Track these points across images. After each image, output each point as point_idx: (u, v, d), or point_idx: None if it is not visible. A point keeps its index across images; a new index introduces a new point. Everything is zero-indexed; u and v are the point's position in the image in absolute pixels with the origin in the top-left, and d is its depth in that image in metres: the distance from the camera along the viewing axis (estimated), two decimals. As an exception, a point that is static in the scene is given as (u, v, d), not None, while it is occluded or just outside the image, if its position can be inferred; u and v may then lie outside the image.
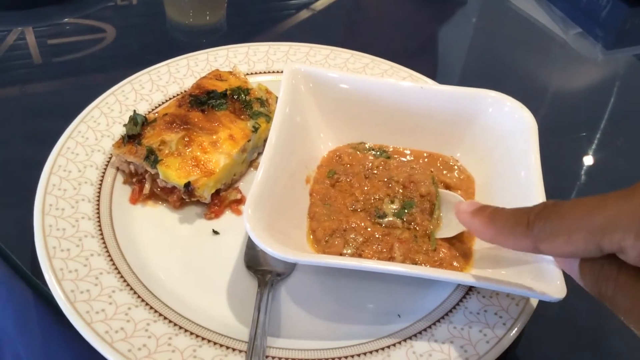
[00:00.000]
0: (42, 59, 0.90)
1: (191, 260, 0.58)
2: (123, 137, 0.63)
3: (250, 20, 1.07)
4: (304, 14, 1.09)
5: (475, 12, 1.21)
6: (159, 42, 0.98)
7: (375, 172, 0.64)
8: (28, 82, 0.87)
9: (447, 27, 1.16)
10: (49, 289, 0.54)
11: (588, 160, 0.80)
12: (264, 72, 0.78)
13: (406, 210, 0.59)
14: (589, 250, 0.36)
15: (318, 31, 1.04)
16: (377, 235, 0.58)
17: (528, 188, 0.57)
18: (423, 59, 1.02)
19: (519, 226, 0.40)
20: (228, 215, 0.63)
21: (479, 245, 0.58)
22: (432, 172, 0.64)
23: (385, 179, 0.63)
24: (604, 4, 1.16)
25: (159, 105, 0.71)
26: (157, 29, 1.02)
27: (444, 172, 0.65)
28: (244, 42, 0.83)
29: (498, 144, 0.63)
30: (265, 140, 0.69)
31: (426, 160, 0.66)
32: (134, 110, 0.65)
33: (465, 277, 0.50)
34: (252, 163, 0.68)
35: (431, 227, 0.59)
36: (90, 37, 0.95)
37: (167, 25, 1.02)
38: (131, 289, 0.52)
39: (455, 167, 0.66)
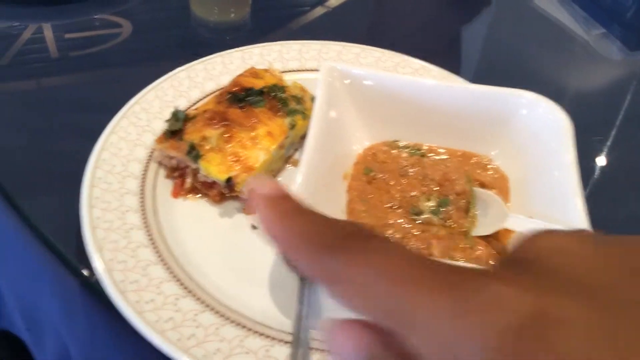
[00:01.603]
0: (59, 53, 0.91)
1: (231, 253, 0.59)
2: (165, 133, 0.64)
3: (275, 18, 1.08)
4: (327, 12, 1.10)
5: (498, 12, 1.22)
6: (184, 38, 1.00)
7: (411, 170, 0.65)
8: (49, 75, 0.88)
9: (471, 26, 1.16)
10: (95, 279, 0.56)
11: (609, 160, 0.81)
12: (297, 70, 0.79)
13: (442, 208, 0.61)
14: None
15: (343, 29, 1.05)
16: (414, 232, 0.59)
17: (564, 190, 0.59)
18: (448, 58, 1.02)
19: (323, 238, 0.24)
20: (266, 211, 0.64)
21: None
22: (466, 170, 0.65)
23: (421, 177, 0.64)
24: (629, 4, 1.16)
25: (197, 101, 0.72)
26: (182, 25, 1.03)
27: (478, 170, 0.66)
28: (268, 40, 0.84)
29: (533, 144, 0.64)
30: (301, 137, 0.71)
31: (460, 158, 0.68)
32: (176, 107, 0.66)
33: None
34: (288, 159, 0.69)
35: (467, 225, 0.60)
36: (111, 32, 0.96)
37: (191, 22, 1.03)
38: (178, 279, 0.54)
39: (490, 166, 0.67)
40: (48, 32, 0.94)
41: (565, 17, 1.15)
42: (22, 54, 0.89)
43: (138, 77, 0.86)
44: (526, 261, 0.22)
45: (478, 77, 0.98)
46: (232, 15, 1.07)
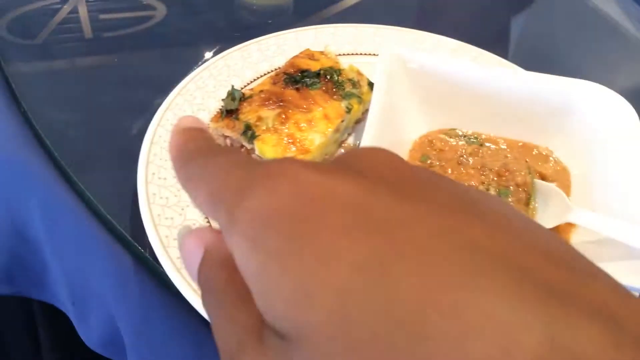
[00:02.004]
0: (93, 34, 0.91)
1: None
2: (221, 112, 0.64)
3: (318, 2, 1.07)
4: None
5: (552, 2, 1.19)
6: (225, 21, 0.99)
7: (469, 159, 0.63)
8: (85, 54, 0.89)
9: (522, 16, 1.14)
10: (149, 256, 0.56)
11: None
12: (351, 54, 0.78)
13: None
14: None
15: (388, 13, 1.03)
16: (472, 222, 0.58)
17: (630, 184, 0.56)
18: (499, 47, 1.00)
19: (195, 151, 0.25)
20: (319, 194, 0.63)
21: (577, 238, 0.57)
22: (527, 161, 0.63)
23: (479, 167, 0.62)
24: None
25: (251, 82, 0.72)
26: (221, 8, 1.02)
27: (539, 162, 0.64)
28: (311, 24, 0.83)
29: (596, 136, 0.62)
30: (356, 122, 0.70)
31: (521, 149, 0.66)
32: (232, 86, 0.66)
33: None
34: (341, 144, 0.68)
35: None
36: (145, 14, 0.96)
37: (234, 5, 1.03)
38: (233, 260, 0.53)
39: (551, 158, 0.65)
40: (83, 12, 0.95)
41: (618, 13, 1.12)
42: (58, 33, 0.90)
43: (176, 58, 0.87)
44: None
45: (529, 69, 0.96)
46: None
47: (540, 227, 0.20)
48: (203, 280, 0.24)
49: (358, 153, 0.23)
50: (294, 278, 0.19)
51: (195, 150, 0.25)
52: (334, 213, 0.20)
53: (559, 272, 0.18)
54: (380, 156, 0.23)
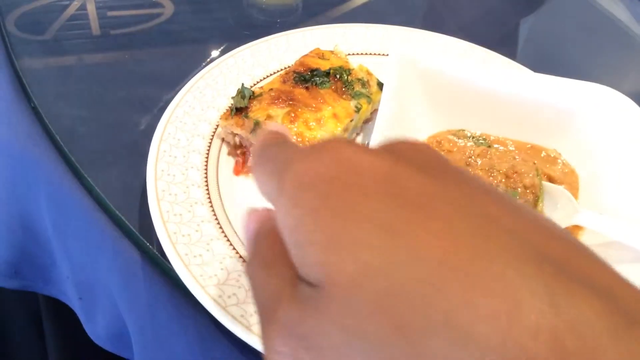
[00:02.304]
0: (101, 30, 0.92)
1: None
2: (231, 109, 0.64)
3: (327, 2, 1.07)
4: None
5: (559, 5, 1.18)
6: (235, 19, 1.00)
7: (477, 160, 0.63)
8: (94, 51, 0.89)
9: (532, 18, 1.14)
10: (156, 251, 0.56)
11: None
12: (361, 54, 0.78)
13: (509, 200, 0.59)
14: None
15: (399, 13, 1.03)
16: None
17: (638, 187, 0.56)
18: (506, 48, 1.00)
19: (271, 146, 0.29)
20: (327, 193, 0.63)
21: (584, 240, 0.57)
22: (535, 163, 0.63)
23: (487, 168, 0.62)
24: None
25: (260, 80, 0.72)
26: (230, 6, 1.03)
27: (547, 164, 0.64)
28: (320, 23, 0.83)
29: (605, 138, 0.62)
30: (364, 122, 0.70)
31: (529, 151, 0.66)
32: (242, 84, 0.66)
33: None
34: (349, 143, 0.68)
35: (535, 219, 0.58)
36: (152, 11, 0.97)
37: (243, 3, 1.03)
38: (240, 256, 0.54)
39: (559, 160, 0.65)
40: (91, 9, 0.95)
41: (627, 15, 1.11)
42: (66, 29, 0.90)
43: (184, 56, 0.88)
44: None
45: (537, 71, 0.96)
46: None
47: (550, 219, 0.23)
48: (251, 247, 0.27)
49: (398, 142, 0.26)
50: (327, 231, 0.22)
51: (269, 144, 0.29)
52: (368, 181, 0.22)
53: (568, 253, 0.20)
54: (417, 145, 0.26)
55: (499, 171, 0.62)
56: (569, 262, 0.20)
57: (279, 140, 0.29)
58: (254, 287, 0.26)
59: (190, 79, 0.70)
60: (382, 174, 0.23)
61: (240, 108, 0.64)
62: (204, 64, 0.80)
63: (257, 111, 0.63)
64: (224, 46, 0.86)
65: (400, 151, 0.25)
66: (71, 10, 0.94)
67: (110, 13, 0.95)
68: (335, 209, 0.22)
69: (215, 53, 0.85)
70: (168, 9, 0.98)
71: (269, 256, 0.25)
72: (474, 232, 0.20)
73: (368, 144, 0.57)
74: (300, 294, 0.23)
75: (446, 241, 0.20)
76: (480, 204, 0.22)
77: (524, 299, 0.18)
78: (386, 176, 0.22)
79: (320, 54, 0.71)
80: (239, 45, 0.76)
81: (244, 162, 0.63)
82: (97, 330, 0.71)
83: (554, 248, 0.21)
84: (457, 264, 0.19)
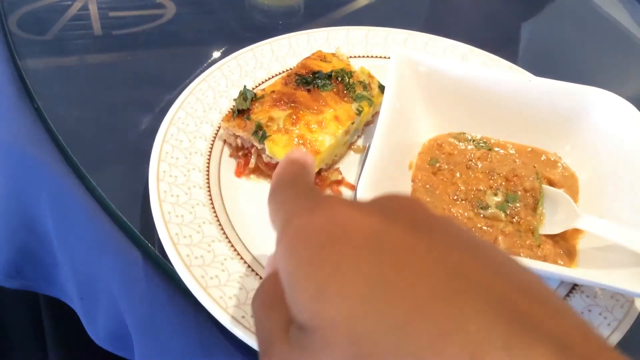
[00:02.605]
0: (102, 31, 0.92)
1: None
2: (233, 111, 0.64)
3: (328, 4, 1.07)
4: (381, 0, 1.09)
5: (562, 8, 1.19)
6: (237, 20, 1.00)
7: (478, 163, 0.64)
8: (95, 51, 0.89)
9: (533, 21, 1.14)
10: (157, 252, 0.56)
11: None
12: (363, 57, 0.78)
13: (510, 204, 0.59)
14: None
15: (399, 17, 1.03)
16: (479, 226, 0.58)
17: (638, 191, 0.57)
18: (508, 52, 1.00)
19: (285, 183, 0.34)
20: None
21: (584, 244, 0.57)
22: (535, 167, 0.64)
23: (487, 171, 0.63)
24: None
25: (263, 82, 0.72)
26: (233, 8, 1.03)
27: (547, 168, 0.64)
28: (321, 25, 0.84)
29: (605, 143, 0.62)
30: (366, 124, 0.70)
31: (529, 155, 0.66)
32: (244, 86, 0.66)
33: (578, 274, 0.50)
34: (351, 145, 0.69)
35: (534, 222, 0.58)
36: (154, 12, 0.97)
37: (244, 5, 1.03)
38: (241, 258, 0.54)
39: (559, 164, 0.65)
40: (93, 9, 0.95)
41: (628, 20, 1.12)
42: (68, 30, 0.90)
43: (185, 57, 0.88)
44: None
45: (538, 74, 0.96)
46: (286, -1, 1.06)
47: (527, 270, 0.25)
48: (259, 285, 0.31)
49: (389, 197, 0.30)
50: (315, 281, 0.25)
51: (283, 182, 0.34)
52: (356, 237, 0.26)
53: (531, 305, 0.23)
54: (406, 200, 0.30)
55: (500, 174, 0.62)
56: (532, 314, 0.22)
57: (293, 180, 0.34)
58: (256, 323, 0.30)
59: (191, 81, 0.70)
60: (369, 231, 0.26)
61: (242, 110, 0.64)
62: (205, 65, 0.80)
63: (259, 113, 0.63)
64: (225, 48, 0.86)
65: (389, 208, 0.28)
66: (73, 10, 0.94)
67: (111, 14, 0.95)
68: (324, 261, 0.25)
69: (216, 54, 0.85)
70: (170, 10, 0.98)
71: (269, 297, 0.29)
72: (446, 285, 0.23)
73: (369, 146, 0.57)
74: (292, 335, 0.26)
75: (419, 294, 0.23)
76: (457, 259, 0.25)
77: (484, 350, 0.21)
78: (373, 233, 0.26)
79: (322, 57, 0.72)
80: (240, 47, 0.76)
81: (246, 163, 0.63)
82: (97, 330, 0.71)
83: (520, 301, 0.23)
84: (427, 315, 0.22)
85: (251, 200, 0.61)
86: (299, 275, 0.26)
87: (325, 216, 0.27)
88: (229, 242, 0.55)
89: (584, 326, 0.23)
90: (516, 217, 0.59)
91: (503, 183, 0.61)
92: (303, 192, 0.32)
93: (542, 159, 0.66)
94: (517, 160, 0.65)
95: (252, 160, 0.63)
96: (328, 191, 0.63)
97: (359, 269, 0.24)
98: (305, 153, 0.37)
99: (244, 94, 0.65)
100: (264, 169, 0.63)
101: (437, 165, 0.63)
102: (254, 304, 0.30)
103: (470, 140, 0.67)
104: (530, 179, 0.61)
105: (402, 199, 0.30)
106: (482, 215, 0.59)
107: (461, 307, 0.22)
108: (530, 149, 0.67)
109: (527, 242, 0.57)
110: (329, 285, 0.24)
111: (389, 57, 0.66)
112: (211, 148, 0.64)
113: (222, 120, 0.64)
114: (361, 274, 0.24)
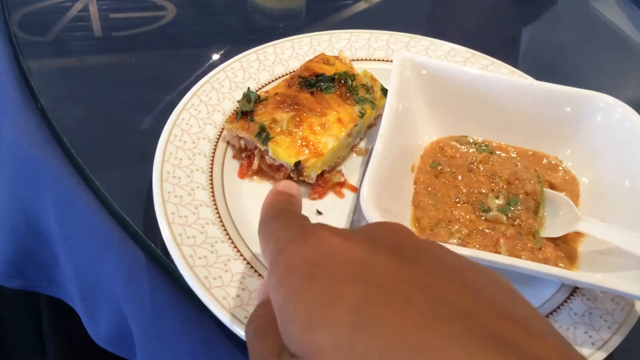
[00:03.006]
0: (103, 32, 0.92)
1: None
2: (236, 113, 0.64)
3: (330, 8, 1.07)
4: (383, 3, 1.09)
5: (562, 13, 1.19)
6: (239, 23, 1.00)
7: (480, 166, 0.64)
8: (96, 53, 0.89)
9: (535, 26, 1.14)
10: (161, 252, 0.57)
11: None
12: (366, 60, 0.79)
13: (511, 207, 0.60)
14: None
15: (403, 19, 1.04)
16: (481, 229, 0.58)
17: (638, 196, 0.57)
18: (507, 56, 1.01)
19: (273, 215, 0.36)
20: (331, 197, 0.64)
21: (585, 247, 0.58)
22: (536, 170, 0.64)
23: (489, 174, 0.63)
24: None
25: (266, 84, 0.73)
26: (237, 10, 1.03)
27: (548, 171, 0.65)
28: (323, 28, 0.84)
29: (607, 147, 0.63)
30: (368, 127, 0.70)
31: (531, 158, 0.66)
32: (248, 88, 0.67)
33: (579, 277, 0.50)
34: (353, 148, 0.69)
35: (536, 225, 0.59)
36: (155, 14, 0.97)
37: (246, 7, 1.03)
38: (244, 258, 0.54)
39: (560, 167, 0.65)
40: (94, 11, 0.96)
41: (628, 26, 1.12)
42: (68, 31, 0.91)
43: (187, 58, 0.88)
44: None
45: (540, 78, 0.96)
46: (288, 2, 1.06)
47: (516, 295, 0.27)
48: (252, 312, 0.32)
49: (377, 225, 0.31)
50: (305, 311, 0.26)
51: (272, 212, 0.35)
52: (344, 266, 0.27)
53: (513, 327, 0.24)
54: (393, 228, 0.31)
55: (501, 177, 0.62)
56: (512, 337, 0.23)
57: (281, 211, 0.35)
58: (249, 348, 0.30)
59: (193, 82, 0.70)
60: (355, 259, 0.27)
61: (246, 112, 0.64)
62: (206, 67, 0.81)
63: (262, 115, 0.64)
64: (226, 49, 0.86)
65: (377, 236, 0.30)
66: (74, 11, 0.95)
67: (112, 15, 0.96)
68: (312, 291, 0.26)
69: (217, 57, 0.85)
70: (170, 12, 0.98)
71: (262, 324, 0.30)
72: (429, 313, 0.24)
73: (372, 149, 0.57)
74: None
75: (402, 323, 0.24)
76: (442, 285, 0.26)
77: None
78: (358, 261, 0.27)
79: (325, 59, 0.72)
80: (241, 49, 0.77)
81: (249, 165, 0.64)
82: (98, 330, 0.71)
83: (501, 325, 0.24)
84: (410, 343, 0.23)
85: (254, 201, 0.61)
86: (289, 306, 0.27)
87: (313, 246, 0.28)
88: (232, 242, 0.55)
89: (564, 346, 0.24)
90: (517, 220, 0.59)
91: (504, 186, 0.62)
92: (292, 223, 0.33)
93: (544, 162, 0.66)
94: (518, 164, 0.65)
95: (255, 162, 0.63)
96: (331, 193, 0.64)
97: (345, 298, 0.25)
98: (292, 183, 0.39)
99: (247, 96, 0.65)
100: (267, 170, 0.64)
101: (439, 168, 0.64)
102: (248, 329, 0.31)
103: (472, 144, 0.67)
104: (532, 182, 0.61)
105: (388, 226, 0.31)
106: (483, 218, 0.59)
107: (444, 335, 0.23)
108: (531, 153, 0.67)
109: (529, 245, 0.57)
110: (317, 315, 0.25)
111: (391, 61, 0.66)
112: (214, 149, 0.64)
113: (226, 122, 0.64)
114: (347, 303, 0.25)
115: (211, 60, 0.85)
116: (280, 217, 0.34)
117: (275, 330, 0.28)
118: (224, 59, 0.76)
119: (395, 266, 0.27)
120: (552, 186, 0.63)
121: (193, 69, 0.79)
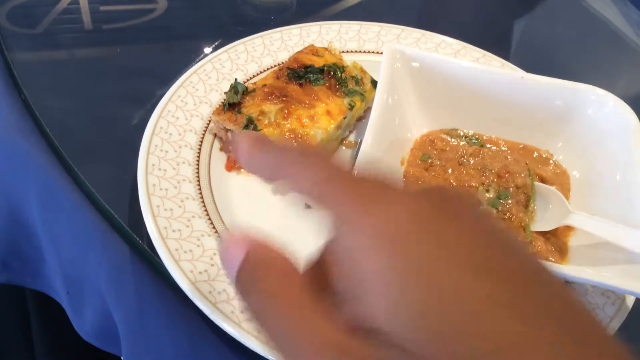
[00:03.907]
0: (93, 25, 0.91)
1: (284, 231, 0.58)
2: (223, 105, 0.63)
3: (321, 1, 1.06)
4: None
5: (554, 6, 1.19)
6: (229, 15, 0.99)
7: (470, 159, 0.63)
8: (85, 45, 0.88)
9: (526, 19, 1.14)
10: (146, 246, 0.56)
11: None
12: (356, 51, 0.78)
13: (501, 201, 0.59)
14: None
15: (394, 12, 1.03)
16: (471, 223, 0.58)
17: (630, 189, 0.57)
18: (499, 49, 1.00)
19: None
20: (320, 190, 0.63)
21: (575, 241, 0.57)
22: (527, 164, 0.63)
23: (479, 168, 0.62)
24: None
25: (254, 76, 0.72)
26: (227, 3, 1.02)
27: (539, 165, 0.64)
28: (314, 21, 0.83)
29: (598, 141, 0.62)
30: (357, 119, 0.70)
31: (521, 152, 0.66)
32: (235, 79, 0.66)
33: (570, 271, 0.49)
34: (342, 140, 0.68)
35: (526, 219, 0.58)
36: (145, 7, 0.96)
37: (237, 0, 1.02)
38: (231, 253, 0.53)
39: (551, 161, 0.65)
40: (84, 3, 0.94)
41: (619, 19, 1.12)
42: (58, 23, 0.89)
43: (176, 51, 0.88)
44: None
45: (531, 71, 0.96)
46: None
47: (534, 259, 0.24)
48: (244, 280, 0.25)
49: (458, 196, 0.26)
50: (422, 298, 0.21)
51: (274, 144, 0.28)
52: (459, 254, 0.22)
53: (542, 292, 0.22)
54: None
55: (491, 171, 0.62)
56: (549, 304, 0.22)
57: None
58: (275, 335, 0.23)
59: (182, 74, 0.69)
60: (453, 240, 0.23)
61: (233, 103, 0.63)
62: (196, 59, 0.80)
63: (250, 107, 0.63)
64: (216, 42, 0.85)
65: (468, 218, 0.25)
66: (63, 4, 0.93)
67: (102, 8, 0.94)
68: (426, 279, 0.22)
69: (208, 49, 0.84)
70: (161, 5, 0.97)
71: (296, 301, 0.24)
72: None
73: (361, 141, 0.56)
74: (372, 351, 0.21)
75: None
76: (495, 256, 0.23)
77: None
78: (457, 244, 0.23)
79: (314, 51, 0.71)
80: (231, 42, 0.76)
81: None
82: (84, 325, 0.70)
83: (534, 290, 0.22)
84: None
85: (241, 194, 0.60)
86: (393, 285, 0.22)
87: (404, 217, 0.23)
88: (219, 236, 0.54)
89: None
90: (508, 214, 0.58)
91: (495, 180, 0.61)
92: (335, 165, 0.27)
93: (534, 155, 0.65)
94: (509, 157, 0.64)
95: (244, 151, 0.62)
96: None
97: (475, 292, 0.21)
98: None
99: (235, 87, 0.64)
100: (255, 163, 0.63)
101: (429, 161, 0.63)
102: (254, 302, 0.24)
103: (462, 137, 0.67)
104: (522, 175, 0.61)
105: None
106: (473, 212, 0.59)
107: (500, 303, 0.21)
108: (522, 146, 0.66)
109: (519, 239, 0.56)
110: (442, 306, 0.21)
111: (381, 53, 0.65)
112: (201, 141, 0.63)
113: (213, 114, 0.63)
114: (478, 296, 0.21)
115: (200, 54, 0.84)
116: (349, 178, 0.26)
117: (330, 302, 0.23)
118: (214, 51, 0.75)
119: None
120: (542, 180, 0.62)
121: (182, 62, 0.78)
